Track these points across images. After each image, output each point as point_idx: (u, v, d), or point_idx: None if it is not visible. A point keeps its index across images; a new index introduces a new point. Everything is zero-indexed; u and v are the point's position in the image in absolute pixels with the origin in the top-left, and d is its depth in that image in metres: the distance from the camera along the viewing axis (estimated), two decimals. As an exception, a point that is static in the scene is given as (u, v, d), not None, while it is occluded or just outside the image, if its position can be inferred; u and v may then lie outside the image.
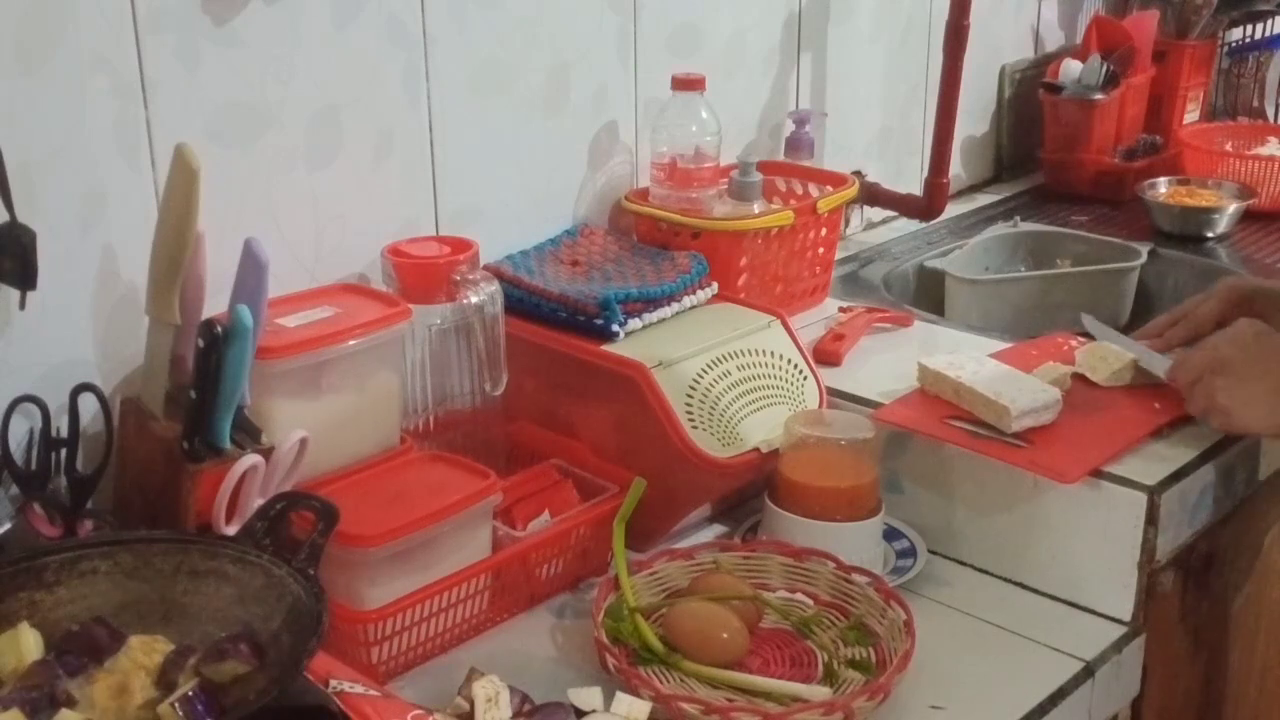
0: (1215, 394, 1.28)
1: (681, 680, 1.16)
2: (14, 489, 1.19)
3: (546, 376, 1.42)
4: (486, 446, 1.40)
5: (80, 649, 1.01)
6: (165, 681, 0.99)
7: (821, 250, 1.72)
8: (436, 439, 1.38)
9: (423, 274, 1.36)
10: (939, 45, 1.87)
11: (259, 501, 1.15)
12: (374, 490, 1.25)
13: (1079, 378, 1.42)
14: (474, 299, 1.34)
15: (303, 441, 1.19)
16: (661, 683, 1.14)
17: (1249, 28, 2.57)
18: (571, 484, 1.37)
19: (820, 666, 1.20)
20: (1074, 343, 1.53)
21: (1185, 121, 2.42)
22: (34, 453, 1.20)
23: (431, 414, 1.38)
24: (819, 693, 1.15)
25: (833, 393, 1.47)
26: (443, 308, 1.36)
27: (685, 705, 1.09)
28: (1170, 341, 1.44)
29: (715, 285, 1.52)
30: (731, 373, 1.39)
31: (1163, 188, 2.17)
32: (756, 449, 1.36)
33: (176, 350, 1.20)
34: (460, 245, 1.39)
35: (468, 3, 1.47)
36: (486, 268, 1.43)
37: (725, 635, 1.18)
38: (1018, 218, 2.13)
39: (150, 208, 1.23)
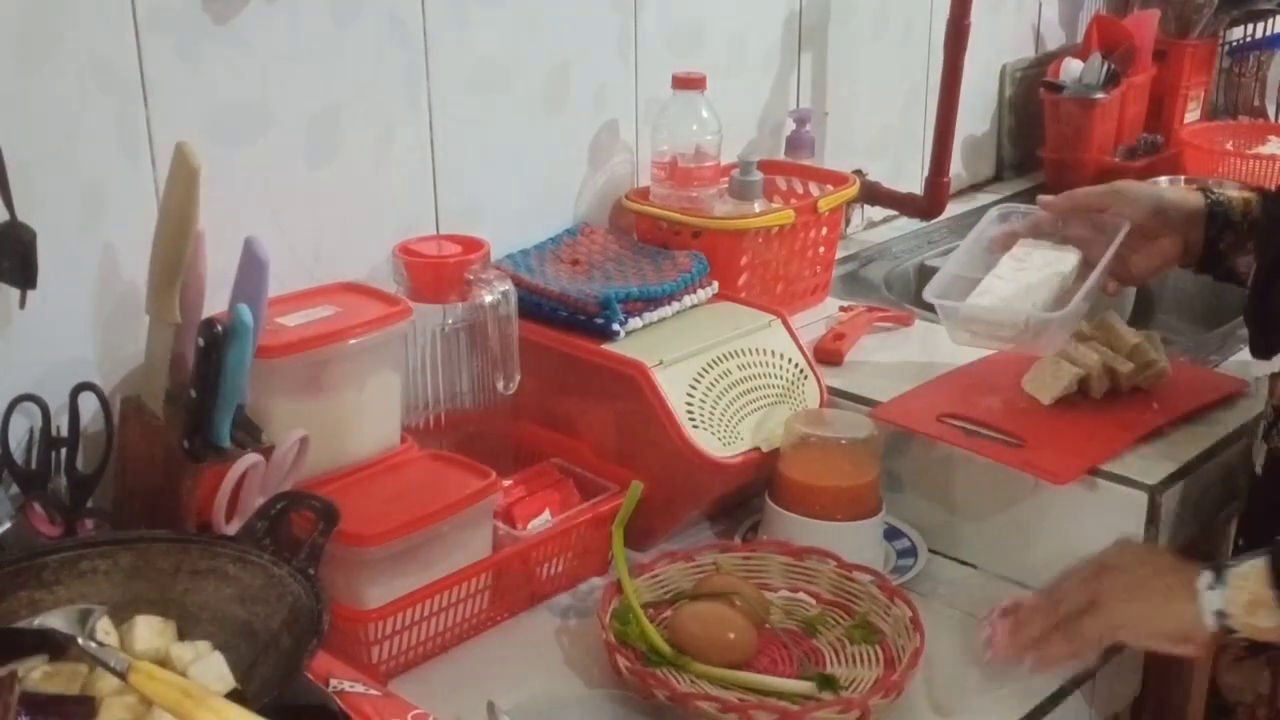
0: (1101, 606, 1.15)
1: (692, 681, 1.16)
2: (14, 488, 1.19)
3: (547, 376, 1.42)
4: (494, 445, 1.40)
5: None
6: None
7: (822, 249, 1.72)
8: (443, 437, 1.38)
9: (434, 273, 1.36)
10: (940, 44, 1.87)
11: (259, 501, 1.15)
12: (374, 489, 1.24)
13: (1084, 376, 1.41)
14: (488, 298, 1.34)
15: (302, 441, 1.19)
16: (675, 684, 1.14)
17: (1250, 27, 2.57)
18: (572, 483, 1.37)
19: (829, 665, 1.20)
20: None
21: (1186, 121, 2.42)
22: (34, 452, 1.20)
23: (439, 412, 1.39)
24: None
25: (833, 392, 1.47)
26: (454, 307, 1.36)
27: (703, 704, 1.09)
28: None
29: (716, 284, 1.52)
30: (732, 372, 1.39)
31: (1164, 187, 2.17)
32: (757, 448, 1.36)
33: (177, 349, 1.20)
34: (472, 245, 1.39)
35: (468, 2, 1.46)
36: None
37: (732, 636, 1.19)
38: (1019, 217, 2.12)
39: (151, 206, 1.23)
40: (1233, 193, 1.37)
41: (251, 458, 1.15)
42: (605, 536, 1.29)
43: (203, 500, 1.16)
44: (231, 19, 1.27)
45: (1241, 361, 1.56)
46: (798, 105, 1.93)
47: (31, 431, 1.20)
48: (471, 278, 1.36)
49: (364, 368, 1.28)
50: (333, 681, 1.05)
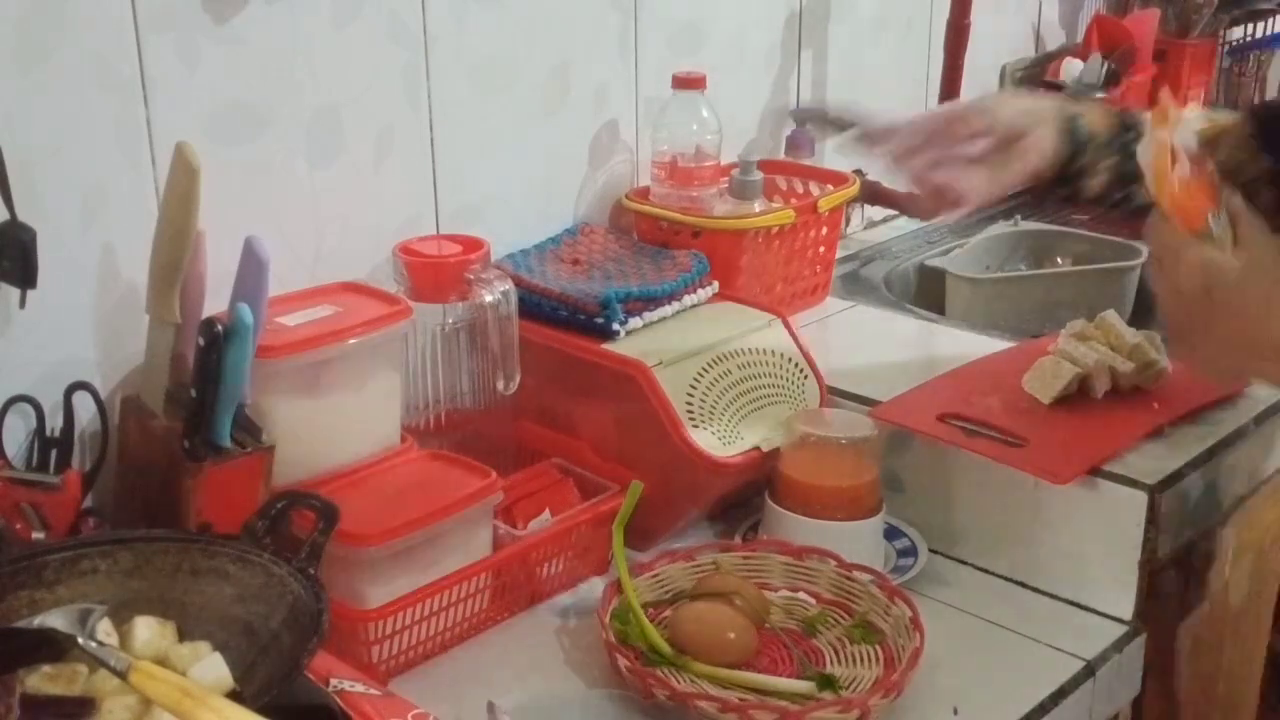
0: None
1: (692, 681, 1.16)
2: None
3: (547, 375, 1.42)
4: (494, 445, 1.40)
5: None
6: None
7: (822, 249, 1.72)
8: (444, 437, 1.38)
9: (434, 273, 1.36)
10: (940, 44, 1.87)
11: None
12: (375, 489, 1.24)
13: (1084, 376, 1.41)
14: (488, 298, 1.34)
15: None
16: (675, 683, 1.14)
17: (1250, 26, 2.57)
18: (572, 483, 1.37)
19: (829, 665, 1.20)
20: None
21: (1186, 120, 2.42)
22: (34, 451, 1.20)
23: (439, 411, 1.39)
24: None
25: (833, 392, 1.47)
26: (454, 306, 1.36)
27: (703, 704, 1.09)
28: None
29: (715, 284, 1.52)
30: (732, 372, 1.39)
31: (1164, 187, 2.16)
32: (757, 448, 1.36)
33: (177, 349, 1.20)
34: (472, 244, 1.39)
35: (468, 2, 1.47)
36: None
37: (732, 635, 1.18)
38: (1018, 216, 2.13)
39: (151, 206, 1.23)
40: (1091, 108, 1.33)
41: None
42: (605, 536, 1.29)
43: (203, 500, 1.16)
44: (231, 19, 1.27)
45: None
46: (798, 105, 1.93)
47: (30, 431, 1.20)
48: (471, 277, 1.36)
49: (364, 368, 1.28)
50: (333, 681, 1.05)
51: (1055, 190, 1.33)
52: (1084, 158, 1.29)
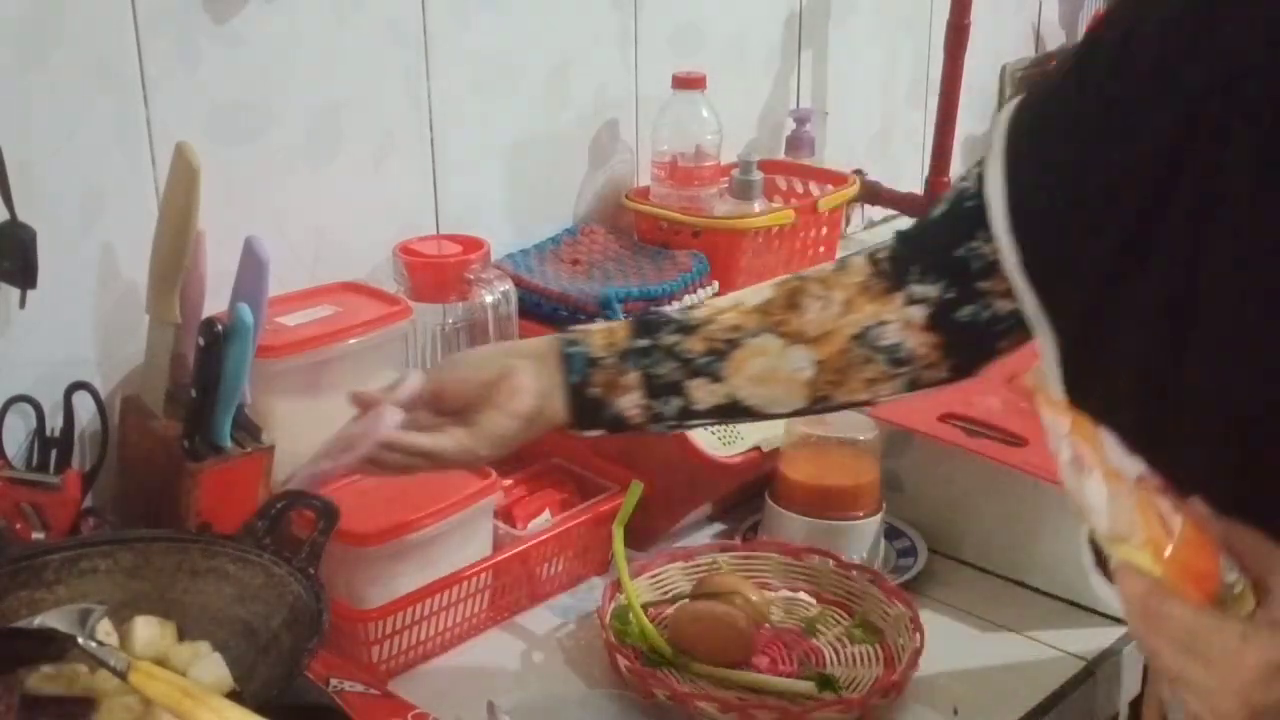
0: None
1: (692, 681, 1.16)
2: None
3: (547, 375, 1.42)
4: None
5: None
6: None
7: (822, 249, 1.72)
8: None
9: (434, 273, 1.36)
10: (940, 44, 1.87)
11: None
12: (374, 489, 1.24)
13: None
14: (488, 298, 1.34)
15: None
16: (675, 683, 1.14)
17: (1250, 26, 2.57)
18: (572, 483, 1.37)
19: (829, 664, 1.20)
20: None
21: (1186, 120, 2.42)
22: (34, 452, 1.20)
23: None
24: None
25: (833, 392, 1.47)
26: (454, 306, 1.36)
27: (703, 704, 1.09)
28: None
29: (715, 284, 1.52)
30: (732, 372, 1.39)
31: (1163, 186, 2.16)
32: (757, 448, 1.36)
33: (177, 349, 1.20)
34: (472, 244, 1.39)
35: (468, 2, 1.47)
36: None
37: (732, 635, 1.18)
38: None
39: (151, 207, 1.23)
40: (593, 331, 1.05)
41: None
42: (605, 536, 1.29)
43: (203, 500, 1.16)
44: (231, 19, 1.27)
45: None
46: (798, 104, 1.93)
47: (30, 431, 1.20)
48: (471, 277, 1.36)
49: (364, 367, 1.28)
50: (333, 681, 1.05)
51: (589, 429, 1.03)
52: (596, 381, 1.01)
